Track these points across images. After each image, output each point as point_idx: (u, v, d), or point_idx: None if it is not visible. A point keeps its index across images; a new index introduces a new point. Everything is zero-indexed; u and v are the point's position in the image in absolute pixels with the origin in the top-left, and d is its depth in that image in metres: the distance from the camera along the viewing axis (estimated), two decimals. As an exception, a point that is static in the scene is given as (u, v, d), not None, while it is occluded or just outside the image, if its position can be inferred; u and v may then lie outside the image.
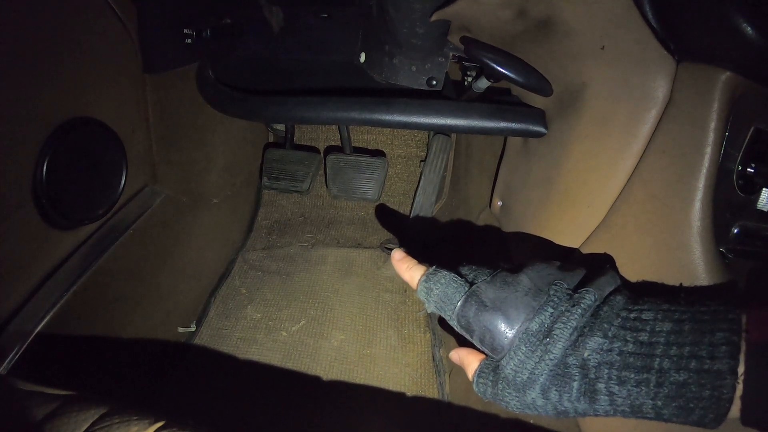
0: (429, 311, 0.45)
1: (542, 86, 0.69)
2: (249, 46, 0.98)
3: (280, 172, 1.30)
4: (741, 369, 0.32)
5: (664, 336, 0.34)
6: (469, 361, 0.45)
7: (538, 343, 0.38)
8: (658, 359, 0.34)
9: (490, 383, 0.41)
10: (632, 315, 0.37)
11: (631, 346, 0.35)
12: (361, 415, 0.92)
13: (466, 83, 0.90)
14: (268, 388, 0.96)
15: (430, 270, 0.45)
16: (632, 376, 0.34)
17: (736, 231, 0.51)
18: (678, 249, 0.48)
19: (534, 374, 0.37)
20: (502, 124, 0.74)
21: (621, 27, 0.54)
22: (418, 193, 1.26)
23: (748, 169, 0.50)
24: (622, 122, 0.57)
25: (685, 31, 0.50)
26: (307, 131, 1.39)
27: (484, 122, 0.75)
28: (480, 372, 0.43)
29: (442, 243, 1.21)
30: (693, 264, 0.47)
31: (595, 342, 0.36)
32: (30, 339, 0.70)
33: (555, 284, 0.40)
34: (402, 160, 1.36)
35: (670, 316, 0.36)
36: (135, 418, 0.40)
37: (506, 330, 0.39)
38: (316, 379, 0.98)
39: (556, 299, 0.39)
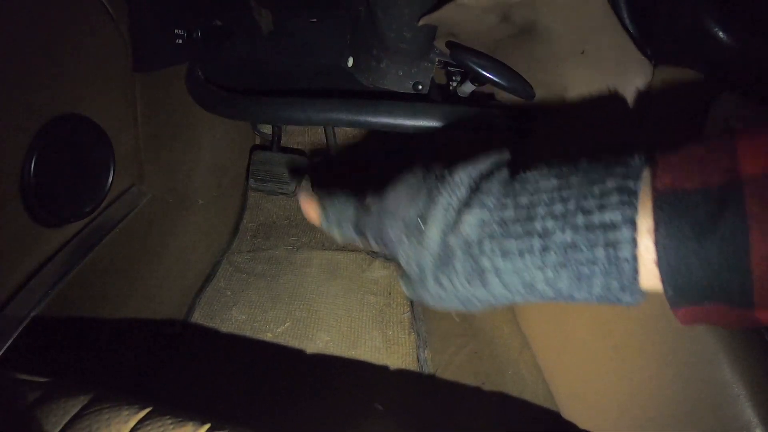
0: (340, 241, 0.44)
1: (525, 89, 0.71)
2: (239, 48, 0.99)
3: (266, 174, 1.31)
4: (649, 224, 0.26)
5: (548, 194, 0.30)
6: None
7: (415, 230, 0.35)
8: (540, 220, 0.29)
9: (408, 283, 0.40)
10: (515, 180, 0.33)
11: (511, 212, 0.31)
12: (346, 415, 0.93)
13: (451, 87, 0.92)
14: (253, 387, 0.97)
15: (322, 198, 0.45)
16: (514, 244, 0.30)
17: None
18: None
19: (421, 264, 0.35)
20: (485, 127, 0.76)
21: (600, 32, 0.57)
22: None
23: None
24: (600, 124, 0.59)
25: (660, 36, 0.52)
26: (294, 134, 1.40)
27: (467, 125, 0.77)
28: (402, 275, 0.41)
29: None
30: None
31: (473, 216, 0.32)
32: (14, 335, 0.69)
33: (429, 170, 0.38)
34: (388, 165, 1.37)
35: (556, 171, 0.31)
36: (125, 403, 0.41)
37: (390, 225, 0.37)
38: (300, 380, 0.98)
39: (430, 183, 0.36)
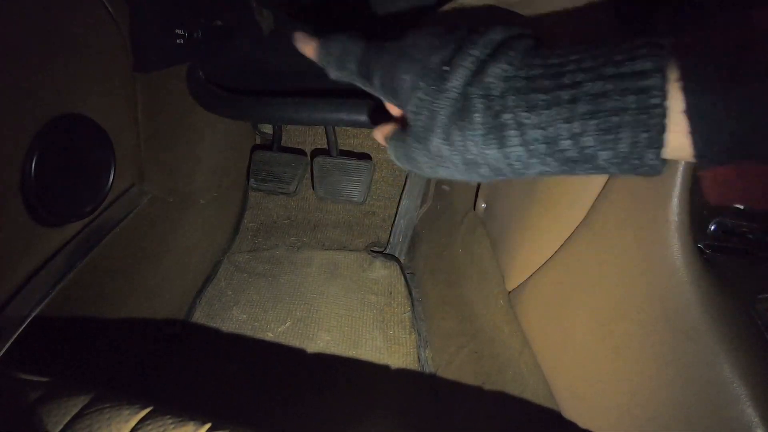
0: (332, 76, 0.42)
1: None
2: (239, 48, 0.99)
3: (267, 173, 1.31)
4: (676, 74, 0.26)
5: (578, 54, 0.29)
6: (386, 129, 0.42)
7: (436, 76, 0.33)
8: (569, 74, 0.28)
9: (401, 144, 0.38)
10: (543, 47, 0.32)
11: (539, 69, 0.30)
12: (347, 415, 0.93)
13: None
14: (254, 387, 0.97)
15: (326, 36, 0.42)
16: (541, 96, 0.29)
17: (713, 228, 0.53)
18: (657, 244, 0.50)
19: (433, 111, 0.33)
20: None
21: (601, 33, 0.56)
22: (403, 197, 1.27)
23: (722, 168, 0.52)
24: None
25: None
26: (294, 134, 1.40)
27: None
28: (394, 134, 0.40)
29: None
30: (671, 258, 0.49)
31: (498, 68, 0.31)
32: (15, 335, 0.69)
33: (459, 27, 0.36)
34: (388, 164, 1.37)
35: (585, 46, 0.30)
36: (125, 403, 0.41)
37: (405, 69, 0.35)
38: (301, 379, 0.98)
39: (459, 35, 0.35)
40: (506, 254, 0.81)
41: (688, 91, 0.25)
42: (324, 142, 1.37)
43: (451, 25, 0.36)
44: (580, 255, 0.60)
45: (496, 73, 0.31)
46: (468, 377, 0.87)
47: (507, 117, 0.30)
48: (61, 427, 0.38)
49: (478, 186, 0.94)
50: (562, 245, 0.64)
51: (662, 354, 0.50)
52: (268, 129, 1.36)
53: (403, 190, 1.28)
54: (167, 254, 1.06)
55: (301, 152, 1.38)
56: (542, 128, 0.29)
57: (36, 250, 0.75)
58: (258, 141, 1.41)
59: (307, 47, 0.43)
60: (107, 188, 0.86)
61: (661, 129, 0.26)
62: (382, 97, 0.39)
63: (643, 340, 0.52)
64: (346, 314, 1.12)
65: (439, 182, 1.29)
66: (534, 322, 0.74)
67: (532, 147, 0.30)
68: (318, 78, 0.98)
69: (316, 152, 1.37)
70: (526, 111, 0.29)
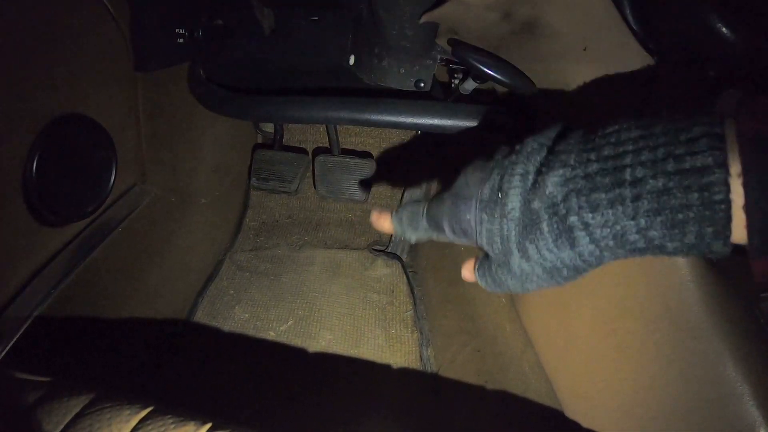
0: (412, 240, 0.45)
1: (527, 86, 0.71)
2: (240, 46, 0.99)
3: (268, 172, 1.31)
4: (737, 168, 0.26)
5: (632, 143, 0.29)
6: (471, 264, 0.44)
7: (494, 205, 0.35)
8: (629, 169, 0.28)
9: (487, 273, 0.40)
10: (593, 137, 0.32)
11: (595, 165, 0.30)
12: (348, 413, 0.93)
13: (453, 85, 0.91)
14: (255, 386, 0.97)
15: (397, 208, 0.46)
16: (603, 196, 0.29)
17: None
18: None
19: (503, 236, 0.35)
20: (488, 124, 0.76)
21: (602, 29, 0.56)
22: (405, 195, 1.27)
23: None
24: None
25: (663, 33, 0.52)
26: (296, 133, 1.40)
27: (470, 122, 0.77)
28: (479, 267, 0.42)
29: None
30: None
31: (555, 175, 0.32)
32: (17, 335, 0.69)
33: (498, 150, 0.38)
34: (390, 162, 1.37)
35: (636, 123, 0.30)
36: (126, 403, 0.41)
37: (466, 209, 0.37)
38: (303, 378, 0.98)
39: (500, 160, 0.36)
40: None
41: (749, 188, 0.25)
42: (325, 140, 1.37)
43: (488, 153, 0.38)
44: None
45: (554, 181, 0.32)
46: (470, 376, 0.87)
47: (573, 219, 0.31)
48: (61, 427, 0.38)
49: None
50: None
51: (665, 352, 0.49)
52: (269, 128, 1.36)
53: (404, 189, 1.28)
54: (169, 253, 1.06)
55: (303, 151, 1.38)
56: (609, 226, 0.30)
57: (38, 250, 0.75)
58: (259, 140, 1.41)
59: (384, 223, 0.47)
60: (109, 188, 0.86)
61: (727, 222, 0.26)
62: (457, 241, 0.41)
63: (645, 338, 0.52)
64: (348, 313, 1.12)
65: (442, 180, 1.29)
66: (536, 320, 0.74)
67: (602, 243, 0.31)
68: (319, 76, 0.99)
69: (318, 151, 1.37)
70: (590, 212, 0.30)
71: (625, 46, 0.55)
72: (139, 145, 0.96)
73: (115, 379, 0.87)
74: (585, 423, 0.62)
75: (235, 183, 1.30)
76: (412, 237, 0.45)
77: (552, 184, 0.32)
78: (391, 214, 0.46)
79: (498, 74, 0.69)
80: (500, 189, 0.35)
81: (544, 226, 0.32)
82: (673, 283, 0.48)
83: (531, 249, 0.33)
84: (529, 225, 0.33)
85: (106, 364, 0.86)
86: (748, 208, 0.25)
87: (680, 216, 0.27)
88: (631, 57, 0.55)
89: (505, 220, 0.34)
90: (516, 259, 0.35)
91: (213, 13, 0.94)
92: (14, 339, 0.69)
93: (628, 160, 0.29)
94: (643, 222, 0.28)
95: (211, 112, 0.95)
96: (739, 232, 0.26)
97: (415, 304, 1.13)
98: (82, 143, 0.79)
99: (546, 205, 0.32)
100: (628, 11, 0.54)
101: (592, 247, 0.31)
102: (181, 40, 0.88)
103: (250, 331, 1.07)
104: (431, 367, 1.00)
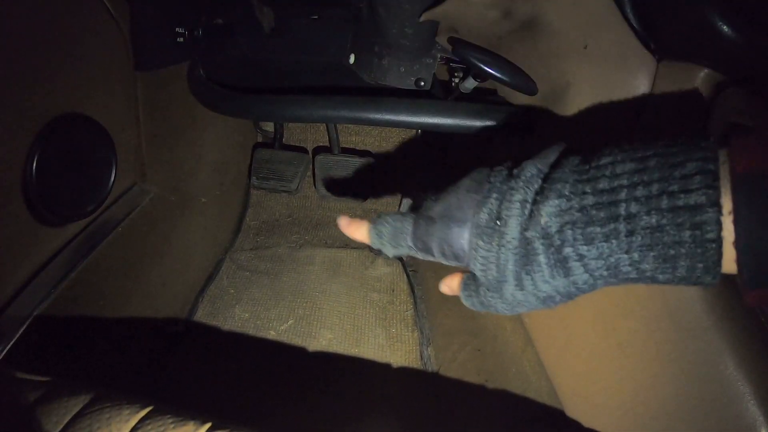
0: (390, 255, 0.43)
1: (527, 85, 0.71)
2: (240, 45, 0.99)
3: (268, 171, 1.31)
4: (728, 206, 0.26)
5: (627, 177, 0.30)
6: (454, 282, 0.43)
7: (492, 232, 0.35)
8: (623, 204, 0.29)
9: (474, 294, 0.39)
10: (588, 167, 0.32)
11: (591, 198, 0.31)
12: (349, 412, 0.93)
13: (453, 84, 0.91)
14: (256, 385, 0.97)
15: (375, 217, 0.43)
16: (598, 230, 0.30)
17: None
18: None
19: (500, 265, 0.35)
20: (488, 123, 0.76)
21: (602, 27, 0.56)
22: (403, 201, 1.27)
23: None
24: (604, 120, 0.59)
25: (664, 31, 0.52)
26: (296, 132, 1.40)
27: (470, 121, 0.76)
28: (464, 286, 0.41)
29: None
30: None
31: (550, 205, 0.32)
32: (17, 335, 0.69)
33: (493, 172, 0.37)
34: (389, 161, 1.37)
35: (631, 155, 0.31)
36: (125, 402, 0.41)
37: (459, 233, 0.37)
38: (304, 377, 0.98)
39: (498, 184, 0.36)
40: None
41: (739, 226, 0.26)
42: (325, 139, 1.36)
43: (482, 170, 0.38)
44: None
45: (549, 211, 0.32)
46: (471, 375, 0.87)
47: (568, 251, 0.31)
48: (61, 426, 0.38)
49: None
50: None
51: (666, 351, 0.49)
52: (269, 127, 1.36)
53: (404, 188, 1.27)
54: (169, 253, 1.06)
55: (303, 150, 1.38)
56: (603, 258, 0.30)
57: (37, 250, 0.75)
58: (259, 139, 1.41)
59: (357, 231, 0.44)
60: (109, 187, 0.86)
61: (717, 259, 0.27)
62: (445, 263, 0.40)
63: (646, 337, 0.51)
64: (348, 312, 1.12)
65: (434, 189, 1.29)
66: (537, 319, 0.73)
67: (596, 273, 0.32)
68: (319, 75, 0.98)
69: (318, 150, 1.37)
70: (585, 245, 0.31)
71: (625, 44, 0.55)
72: (139, 145, 0.96)
73: (115, 379, 0.87)
74: (586, 422, 0.62)
75: (235, 182, 1.30)
76: (391, 253, 0.43)
77: (547, 214, 0.32)
78: (369, 224, 0.44)
79: (498, 73, 0.69)
80: (499, 216, 0.35)
81: (542, 259, 0.33)
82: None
83: (527, 280, 0.34)
84: (525, 255, 0.34)
85: (106, 364, 0.86)
86: (738, 244, 0.26)
87: (672, 252, 0.28)
88: (632, 55, 0.54)
89: (503, 249, 0.34)
90: (510, 287, 0.35)
91: (213, 12, 0.93)
92: (14, 339, 0.69)
93: (623, 195, 0.29)
94: (636, 256, 0.29)
95: (211, 111, 0.95)
96: (728, 265, 0.27)
97: (415, 303, 1.13)
98: (81, 143, 0.79)
99: (540, 235, 0.33)
100: (628, 9, 0.54)
101: (586, 276, 0.32)
102: (181, 39, 0.88)
103: (251, 331, 1.07)
104: (432, 367, 1.00)
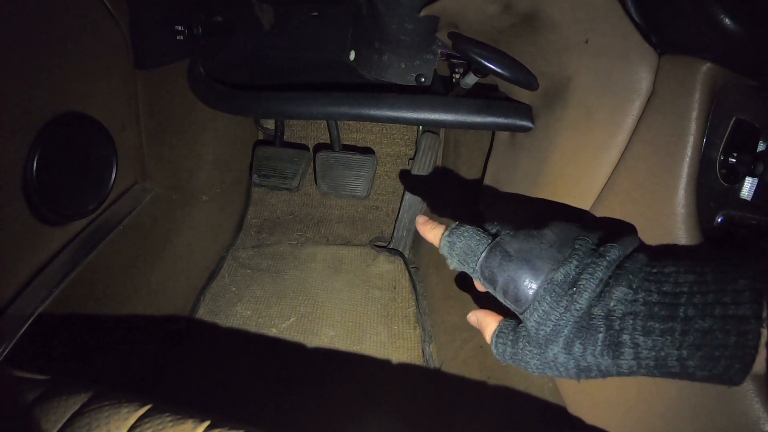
0: (452, 267, 0.44)
1: (528, 80, 0.70)
2: (240, 43, 0.99)
3: (269, 169, 1.31)
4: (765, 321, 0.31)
5: (688, 286, 0.34)
6: (487, 322, 0.45)
7: (563, 293, 0.37)
8: (683, 308, 0.33)
9: (509, 343, 0.41)
10: (654, 269, 0.37)
11: (655, 296, 0.35)
12: (351, 409, 0.93)
13: (454, 79, 0.91)
14: (258, 383, 0.97)
15: (453, 225, 0.44)
16: (657, 325, 0.34)
17: (720, 220, 0.52)
18: (664, 236, 0.49)
19: (558, 326, 0.37)
20: (489, 119, 0.75)
21: (604, 21, 0.55)
22: (406, 191, 1.26)
23: (730, 159, 0.51)
24: (606, 114, 0.58)
25: (666, 24, 0.51)
26: (297, 129, 1.39)
27: (471, 117, 0.76)
28: (499, 332, 0.42)
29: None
30: (678, 251, 0.48)
31: (620, 292, 0.36)
32: (19, 335, 0.69)
33: (579, 239, 0.40)
34: (391, 159, 1.37)
35: (691, 269, 0.35)
36: (124, 401, 0.40)
37: (531, 280, 0.38)
38: (305, 375, 0.98)
39: (581, 252, 0.38)
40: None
41: None
42: (327, 136, 1.36)
43: (569, 230, 0.41)
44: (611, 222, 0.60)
45: (618, 296, 0.36)
46: (473, 372, 0.87)
47: (626, 337, 0.35)
48: (60, 425, 0.38)
49: (481, 180, 0.93)
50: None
51: (668, 348, 0.49)
52: (270, 124, 1.36)
53: (406, 185, 1.27)
54: (170, 251, 1.06)
55: (304, 147, 1.37)
56: (655, 350, 0.34)
57: (39, 249, 0.75)
58: (260, 136, 1.41)
59: (430, 233, 0.46)
60: (109, 186, 0.86)
61: (752, 362, 0.31)
62: (501, 300, 0.41)
63: (648, 334, 0.51)
64: (350, 309, 1.12)
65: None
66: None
67: (643, 362, 0.35)
68: (319, 72, 0.98)
69: (319, 147, 1.37)
70: (643, 335, 0.34)
71: (627, 38, 0.54)
72: (140, 143, 0.96)
73: (117, 377, 0.88)
74: (588, 419, 0.61)
75: (236, 180, 1.30)
76: (454, 266, 0.44)
77: (616, 299, 0.36)
78: (444, 231, 0.45)
79: (499, 68, 0.69)
80: (575, 284, 0.37)
81: (600, 337, 0.36)
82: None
83: (577, 349, 0.37)
84: (585, 328, 0.36)
85: (108, 363, 0.86)
86: None
87: (717, 353, 0.32)
88: (633, 49, 0.54)
89: (568, 313, 0.37)
90: (556, 349, 0.38)
91: (212, 10, 0.93)
92: (15, 338, 0.69)
93: (683, 299, 0.34)
94: (685, 353, 0.33)
95: (211, 108, 0.94)
96: (759, 364, 0.32)
97: (417, 300, 1.13)
98: (82, 141, 0.79)
99: (604, 314, 0.36)
100: (630, 3, 0.53)
101: (633, 363, 0.35)
102: (181, 37, 0.88)
103: (252, 328, 1.07)
104: (434, 364, 0.99)
